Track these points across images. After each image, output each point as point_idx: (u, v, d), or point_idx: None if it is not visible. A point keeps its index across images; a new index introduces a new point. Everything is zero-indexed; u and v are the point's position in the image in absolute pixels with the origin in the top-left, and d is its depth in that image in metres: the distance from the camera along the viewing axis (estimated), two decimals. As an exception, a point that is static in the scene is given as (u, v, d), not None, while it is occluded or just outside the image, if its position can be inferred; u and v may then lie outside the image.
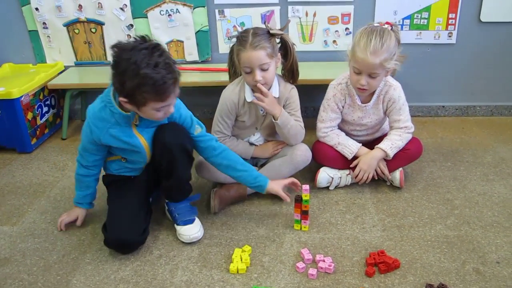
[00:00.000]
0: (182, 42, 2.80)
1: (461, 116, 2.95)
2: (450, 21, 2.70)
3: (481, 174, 2.23)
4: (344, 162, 2.09)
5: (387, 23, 1.90)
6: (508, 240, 1.75)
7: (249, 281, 1.58)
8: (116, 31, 2.78)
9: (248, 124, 2.06)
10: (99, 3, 2.70)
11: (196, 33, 2.77)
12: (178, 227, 1.79)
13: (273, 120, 1.95)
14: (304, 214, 1.81)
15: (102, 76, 2.76)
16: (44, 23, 2.77)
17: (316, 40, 2.79)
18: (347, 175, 2.11)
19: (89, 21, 2.76)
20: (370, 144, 2.12)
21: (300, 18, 2.73)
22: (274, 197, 2.03)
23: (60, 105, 2.90)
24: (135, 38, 1.51)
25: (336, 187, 2.12)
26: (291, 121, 1.97)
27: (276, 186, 1.82)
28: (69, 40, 2.82)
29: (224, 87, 2.06)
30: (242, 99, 1.98)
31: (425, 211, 1.95)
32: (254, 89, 1.93)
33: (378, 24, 1.89)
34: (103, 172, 1.85)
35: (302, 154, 2.02)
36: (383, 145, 2.03)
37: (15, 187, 2.23)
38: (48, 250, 1.77)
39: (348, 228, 1.85)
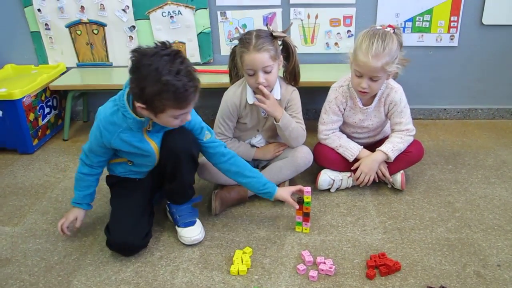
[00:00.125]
0: (184, 43, 2.80)
1: (462, 119, 2.95)
2: (452, 24, 2.70)
3: (483, 177, 2.22)
4: (345, 165, 2.09)
5: (389, 26, 1.90)
6: (509, 243, 1.75)
7: (250, 282, 1.58)
8: (118, 33, 2.79)
9: (249, 126, 2.06)
10: (101, 4, 2.71)
11: (198, 35, 2.78)
12: (179, 229, 1.79)
13: (275, 122, 1.96)
14: (305, 216, 1.81)
15: (104, 78, 2.78)
16: (46, 24, 2.78)
17: (318, 42, 2.79)
18: (348, 177, 2.11)
19: (91, 22, 2.77)
20: (372, 146, 2.12)
21: (302, 20, 2.73)
22: (275, 199, 2.03)
23: (62, 106, 2.90)
24: (156, 44, 1.49)
25: (337, 189, 2.12)
26: (293, 123, 1.97)
27: (284, 193, 1.82)
28: (71, 41, 2.83)
29: (226, 89, 2.06)
30: (244, 101, 1.98)
31: (426, 213, 1.95)
32: (256, 91, 1.93)
33: (380, 27, 1.89)
34: (106, 173, 1.85)
35: (304, 156, 2.03)
36: (384, 147, 2.03)
37: (17, 188, 2.24)
38: (49, 251, 1.77)
39: (349, 231, 1.85)
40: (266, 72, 1.87)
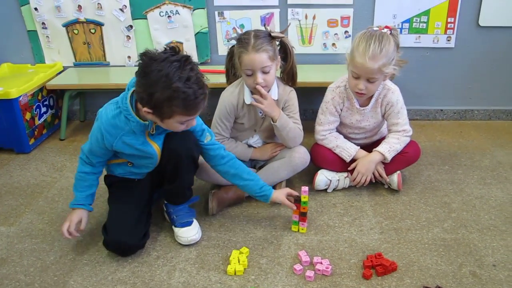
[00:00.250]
0: (182, 43, 2.80)
1: (459, 120, 2.96)
2: (449, 25, 2.71)
3: (479, 178, 2.23)
4: (342, 165, 2.10)
5: (386, 27, 1.90)
6: (505, 243, 1.75)
7: (247, 282, 1.58)
8: (116, 32, 2.78)
9: (247, 126, 2.06)
10: (98, 3, 2.70)
11: (195, 35, 2.78)
12: (176, 229, 1.79)
13: (272, 123, 1.96)
14: (302, 216, 1.81)
15: (101, 77, 2.77)
16: (43, 23, 2.77)
17: (316, 42, 2.80)
18: (345, 177, 2.11)
19: (89, 21, 2.77)
20: (368, 147, 2.13)
21: (299, 20, 2.73)
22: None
23: (59, 106, 2.89)
24: (165, 49, 1.48)
25: (334, 190, 2.13)
26: (290, 123, 1.97)
27: (280, 195, 1.83)
28: (68, 40, 2.82)
29: (223, 89, 2.06)
30: (241, 101, 1.99)
31: (422, 214, 1.95)
32: (254, 91, 1.93)
33: (377, 28, 1.89)
34: (104, 172, 1.84)
35: (301, 156, 2.03)
36: (381, 148, 2.03)
37: (13, 187, 2.23)
38: (45, 250, 1.77)
39: (346, 231, 1.85)
40: (264, 73, 1.87)
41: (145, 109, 1.49)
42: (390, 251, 1.72)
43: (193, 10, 2.71)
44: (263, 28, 1.92)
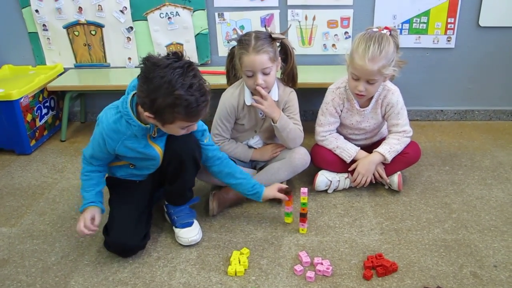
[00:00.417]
0: (182, 45, 2.81)
1: (459, 121, 2.96)
2: (449, 25, 2.71)
3: (479, 178, 2.23)
4: (343, 166, 2.10)
5: (386, 28, 1.90)
6: (506, 244, 1.75)
7: (247, 283, 1.58)
8: (116, 34, 2.79)
9: (247, 127, 2.07)
10: (99, 5, 2.71)
11: (195, 36, 2.78)
12: (176, 230, 1.79)
13: (272, 124, 1.96)
14: (303, 217, 1.81)
15: (101, 79, 2.78)
16: (44, 25, 2.78)
17: (316, 43, 2.80)
18: (346, 178, 2.11)
19: (89, 23, 2.77)
20: (369, 148, 2.13)
21: (299, 21, 2.74)
22: (273, 200, 2.04)
23: (60, 107, 2.90)
24: (168, 54, 1.48)
25: (334, 191, 2.13)
26: (290, 124, 1.98)
27: (271, 191, 1.84)
28: (69, 42, 2.83)
29: (224, 90, 2.06)
30: (242, 102, 1.99)
31: (423, 214, 1.95)
32: (254, 92, 1.93)
33: (376, 29, 1.90)
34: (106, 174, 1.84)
35: (301, 157, 2.03)
36: (382, 149, 2.04)
37: (14, 188, 2.23)
38: (47, 251, 1.77)
39: (346, 231, 1.85)
40: (265, 74, 1.87)
41: (146, 113, 1.50)
42: (391, 252, 1.72)
43: (193, 12, 2.72)
44: (263, 29, 1.92)
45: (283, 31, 2.00)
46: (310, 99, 2.64)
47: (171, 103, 1.43)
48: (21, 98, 2.47)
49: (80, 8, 2.72)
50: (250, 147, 2.13)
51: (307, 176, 2.18)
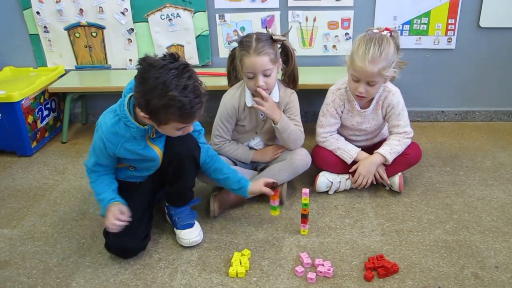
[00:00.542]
0: (183, 46, 2.81)
1: (460, 121, 2.96)
2: (449, 26, 2.71)
3: (480, 179, 2.23)
4: (344, 167, 2.10)
5: (386, 29, 1.90)
6: (507, 245, 1.75)
7: (248, 285, 1.58)
8: (117, 35, 2.79)
9: (248, 128, 2.07)
10: (100, 7, 2.72)
11: (196, 38, 2.79)
12: (177, 231, 1.79)
13: (273, 125, 1.96)
14: (304, 218, 1.81)
15: (102, 80, 2.78)
16: (45, 27, 2.78)
17: (316, 45, 2.80)
18: (347, 179, 2.11)
19: (90, 25, 2.78)
20: (369, 149, 2.13)
21: (300, 23, 2.74)
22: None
23: (61, 109, 2.91)
24: (164, 55, 1.48)
25: (335, 192, 2.13)
26: (291, 125, 1.98)
27: (257, 185, 1.82)
28: (70, 44, 2.83)
29: (224, 91, 2.07)
30: (243, 103, 1.99)
31: (424, 215, 1.95)
32: (255, 93, 1.94)
33: (377, 31, 1.90)
34: None
35: (302, 158, 2.03)
36: (382, 150, 2.04)
37: (15, 190, 2.24)
38: (48, 253, 1.77)
39: (347, 233, 1.85)
40: (266, 75, 1.87)
41: (142, 114, 1.51)
42: (392, 253, 1.72)
43: (194, 13, 2.72)
44: (264, 31, 1.93)
45: (284, 32, 2.00)
46: (311, 100, 2.64)
47: (165, 104, 1.44)
48: (22, 100, 2.48)
49: (81, 10, 2.73)
50: (251, 148, 2.13)
51: (308, 177, 2.18)
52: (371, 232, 1.85)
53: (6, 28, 2.81)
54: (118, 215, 1.61)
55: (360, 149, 2.10)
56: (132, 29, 2.77)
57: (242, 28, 2.75)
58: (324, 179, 2.10)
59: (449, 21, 2.70)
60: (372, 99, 2.04)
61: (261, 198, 2.05)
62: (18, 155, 2.58)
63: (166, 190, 1.82)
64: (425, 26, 2.71)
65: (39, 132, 2.66)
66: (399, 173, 2.10)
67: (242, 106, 2.00)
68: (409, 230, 1.86)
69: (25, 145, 2.56)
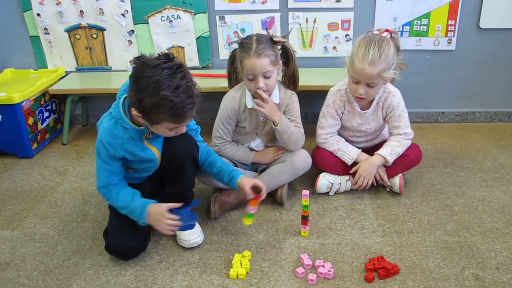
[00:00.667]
0: (183, 48, 2.81)
1: (460, 122, 2.96)
2: (449, 27, 2.71)
3: (481, 180, 2.23)
4: (344, 168, 2.10)
5: (386, 30, 1.91)
6: (508, 246, 1.75)
7: (249, 286, 1.58)
8: (117, 37, 2.80)
9: (248, 130, 2.07)
10: (100, 9, 2.72)
11: (196, 39, 2.79)
12: (178, 232, 1.79)
13: (273, 126, 1.96)
14: (304, 219, 1.81)
15: (103, 82, 2.78)
16: (45, 28, 2.79)
17: (316, 46, 2.80)
18: (347, 180, 2.11)
19: (91, 26, 2.78)
20: (370, 150, 2.13)
21: (300, 24, 2.74)
22: (274, 203, 2.04)
23: (61, 110, 2.91)
24: (159, 55, 1.49)
25: (336, 193, 2.13)
26: (291, 127, 1.98)
27: (246, 182, 1.78)
28: (70, 45, 2.84)
29: (225, 93, 2.07)
30: (243, 105, 1.99)
31: (424, 217, 1.95)
32: (255, 95, 1.94)
33: (377, 32, 1.90)
34: None
35: (302, 160, 2.03)
36: (383, 151, 2.04)
37: (16, 192, 2.24)
38: (49, 254, 1.77)
39: (348, 234, 1.85)
40: (266, 77, 1.88)
41: (135, 112, 1.51)
42: (392, 254, 1.72)
43: (194, 15, 2.72)
44: (265, 32, 1.93)
45: (285, 34, 2.00)
46: (311, 101, 2.64)
47: (156, 103, 1.44)
48: (22, 102, 2.48)
49: (81, 12, 2.73)
50: (251, 149, 2.13)
51: (309, 179, 2.18)
52: (372, 233, 1.85)
53: (7, 30, 2.81)
54: (166, 217, 1.64)
55: (360, 150, 2.10)
56: (133, 31, 2.78)
57: (243, 30, 2.75)
58: (325, 180, 2.10)
59: (449, 22, 2.70)
60: (372, 100, 2.04)
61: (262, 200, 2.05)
62: (19, 157, 2.58)
63: (166, 190, 1.82)
64: (425, 27, 2.72)
65: (39, 134, 2.66)
66: (400, 174, 2.10)
67: (242, 107, 2.00)
68: (409, 231, 1.86)
69: (25, 146, 2.56)
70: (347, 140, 2.16)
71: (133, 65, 1.49)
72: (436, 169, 2.35)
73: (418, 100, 2.89)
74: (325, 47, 2.80)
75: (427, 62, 2.80)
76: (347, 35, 2.76)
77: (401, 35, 2.69)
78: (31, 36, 2.82)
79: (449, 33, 2.72)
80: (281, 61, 1.95)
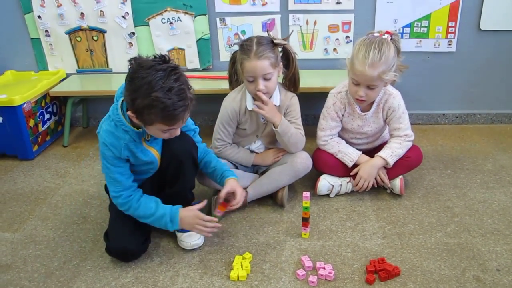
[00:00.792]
0: (183, 50, 2.82)
1: (461, 124, 2.96)
2: (450, 29, 2.71)
3: (481, 182, 2.23)
4: (345, 170, 2.10)
5: (387, 32, 1.91)
6: (508, 247, 1.75)
7: (250, 288, 1.58)
8: (118, 39, 2.80)
9: (249, 132, 2.07)
10: (101, 11, 2.72)
11: (197, 41, 2.79)
12: (179, 234, 1.79)
13: (273, 128, 1.96)
14: (305, 221, 1.81)
15: (103, 84, 2.79)
16: (46, 31, 2.79)
17: (317, 48, 2.80)
18: (348, 182, 2.11)
19: (91, 29, 2.78)
20: (370, 152, 2.13)
21: (300, 26, 2.74)
22: (275, 205, 2.04)
23: (62, 113, 2.91)
24: (154, 56, 1.49)
25: (336, 195, 2.13)
26: (291, 129, 1.98)
27: (229, 183, 1.77)
28: (71, 47, 2.84)
29: (225, 95, 2.07)
30: (243, 107, 1.99)
31: (425, 218, 1.95)
32: (255, 97, 1.94)
33: (377, 34, 1.90)
34: (105, 181, 1.84)
35: (303, 161, 2.03)
36: (383, 153, 2.04)
37: (17, 194, 2.24)
38: (49, 257, 1.77)
39: (349, 236, 1.85)
40: (266, 79, 1.88)
41: (129, 112, 1.52)
42: (393, 256, 1.72)
43: (195, 17, 2.73)
44: (265, 34, 1.93)
45: (285, 36, 2.01)
46: (312, 103, 2.64)
47: (148, 104, 1.44)
48: (23, 104, 2.48)
49: (82, 14, 2.74)
50: (252, 151, 2.13)
51: (309, 181, 2.18)
52: (372, 235, 1.85)
53: (8, 32, 2.82)
54: (203, 219, 1.68)
55: (361, 152, 2.10)
56: (133, 33, 2.78)
57: (243, 32, 2.76)
58: (325, 182, 2.10)
59: (450, 24, 2.70)
60: (373, 102, 2.04)
61: (262, 201, 2.05)
62: (20, 159, 2.58)
63: (166, 192, 1.82)
64: (425, 29, 2.72)
65: (40, 136, 2.67)
66: (400, 176, 2.10)
67: (243, 109, 2.00)
68: (410, 233, 1.85)
69: (26, 148, 2.56)
70: (347, 142, 2.16)
71: (129, 66, 1.49)
72: (437, 170, 2.35)
73: (418, 102, 2.89)
74: (325, 49, 2.80)
75: (428, 64, 2.80)
76: (347, 37, 2.76)
77: (402, 37, 2.70)
78: (32, 38, 2.83)
79: (449, 34, 2.72)
80: (281, 63, 1.95)
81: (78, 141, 2.84)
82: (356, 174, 2.07)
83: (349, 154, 2.08)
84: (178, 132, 1.61)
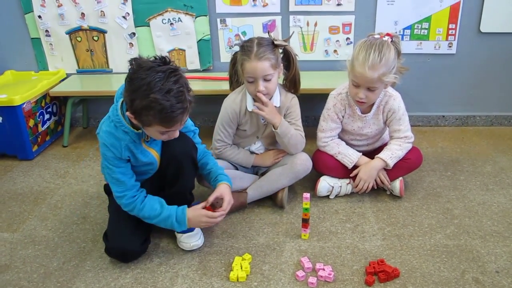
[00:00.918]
0: (184, 50, 2.82)
1: (461, 126, 2.96)
2: (450, 31, 2.72)
3: (481, 184, 2.23)
4: (345, 171, 2.10)
5: (387, 34, 1.91)
6: (508, 249, 1.75)
7: (249, 289, 1.58)
8: (118, 40, 2.80)
9: (249, 133, 2.07)
10: (101, 11, 2.72)
11: (197, 42, 2.79)
12: (178, 235, 1.79)
13: (273, 129, 1.96)
14: (304, 222, 1.81)
15: (104, 84, 2.79)
16: (46, 30, 2.79)
17: (317, 49, 2.81)
18: (347, 184, 2.11)
19: (92, 29, 2.79)
20: (370, 153, 2.13)
21: (301, 27, 2.75)
22: (275, 206, 2.04)
23: (62, 113, 2.91)
24: (155, 57, 1.49)
25: (336, 196, 2.13)
26: (291, 130, 1.98)
27: (219, 188, 1.77)
28: (71, 48, 2.84)
29: (226, 95, 2.07)
30: (244, 108, 1.99)
31: (425, 220, 1.95)
32: (255, 98, 1.94)
33: (378, 36, 1.90)
34: (104, 181, 1.84)
35: (303, 163, 2.03)
36: (383, 155, 2.04)
37: (16, 194, 2.24)
38: (49, 257, 1.77)
39: (348, 237, 1.85)
40: (266, 80, 1.88)
41: (127, 113, 1.52)
42: (393, 258, 1.72)
43: (196, 18, 2.73)
44: (266, 35, 1.93)
45: (286, 38, 2.01)
46: (312, 105, 2.64)
47: (146, 106, 1.44)
48: (23, 104, 2.48)
49: (82, 14, 2.74)
50: (252, 152, 2.13)
51: (309, 182, 2.18)
52: (372, 237, 1.85)
53: (8, 32, 2.82)
54: (208, 215, 1.69)
55: (361, 153, 2.10)
56: (134, 33, 2.78)
57: (244, 33, 2.76)
58: (325, 183, 2.10)
59: (450, 26, 2.70)
60: (373, 104, 2.04)
61: (262, 202, 2.05)
62: (19, 159, 2.58)
63: (166, 193, 1.81)
64: (426, 31, 2.72)
65: (40, 136, 2.67)
66: (400, 178, 2.10)
67: (243, 110, 2.00)
68: (410, 234, 1.86)
69: (26, 148, 2.56)
70: (347, 143, 2.16)
71: (129, 66, 1.49)
72: (437, 172, 2.35)
73: (418, 104, 2.89)
74: (326, 50, 2.81)
75: (428, 65, 2.80)
76: (348, 38, 2.76)
77: (402, 38, 2.70)
78: (32, 38, 2.83)
79: (449, 37, 2.73)
80: (282, 64, 1.95)
81: (78, 142, 2.84)
82: (356, 175, 2.07)
83: (349, 156, 2.08)
84: (177, 134, 1.60)
